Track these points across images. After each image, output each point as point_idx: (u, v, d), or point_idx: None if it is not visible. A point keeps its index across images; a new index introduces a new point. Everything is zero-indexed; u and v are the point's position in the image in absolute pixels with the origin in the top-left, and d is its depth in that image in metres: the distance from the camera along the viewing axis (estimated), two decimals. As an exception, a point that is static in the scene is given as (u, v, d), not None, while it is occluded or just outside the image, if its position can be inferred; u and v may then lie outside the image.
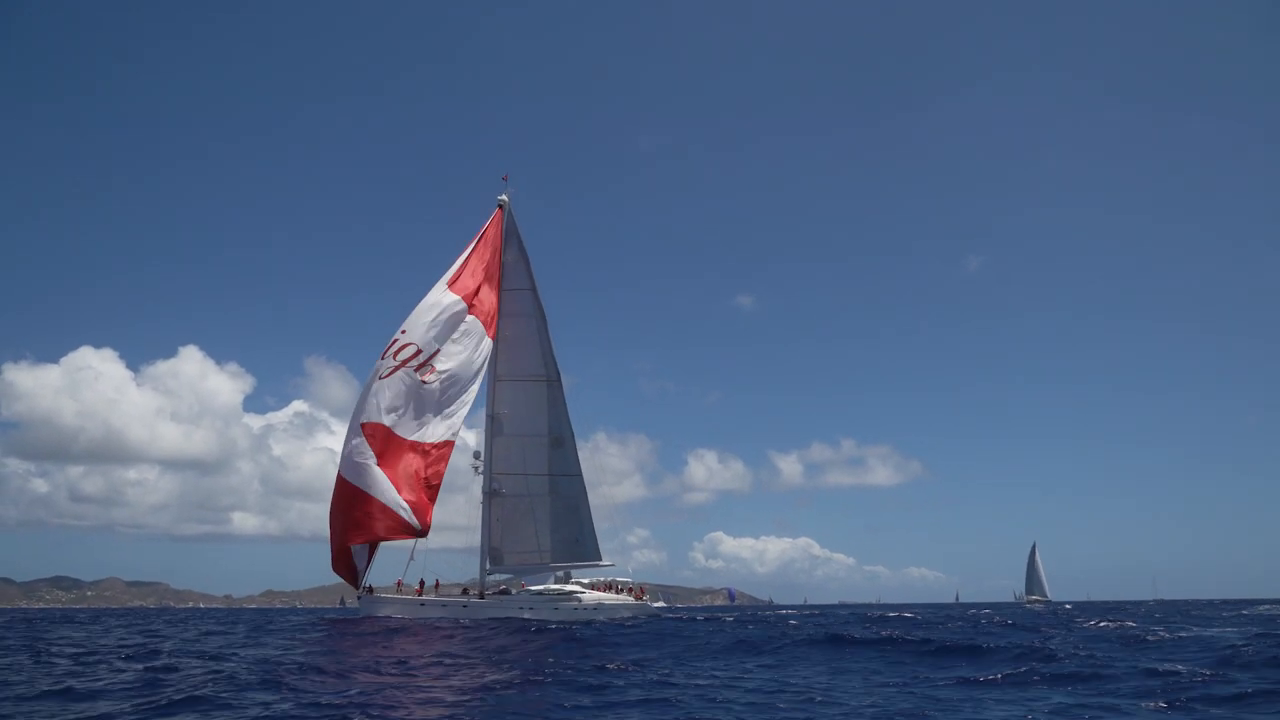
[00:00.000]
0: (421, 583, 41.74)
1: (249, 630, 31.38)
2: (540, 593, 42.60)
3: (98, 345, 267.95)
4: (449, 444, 40.49)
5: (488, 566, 42.51)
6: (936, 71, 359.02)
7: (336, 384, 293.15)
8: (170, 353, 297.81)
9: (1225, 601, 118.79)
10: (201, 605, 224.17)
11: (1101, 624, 28.40)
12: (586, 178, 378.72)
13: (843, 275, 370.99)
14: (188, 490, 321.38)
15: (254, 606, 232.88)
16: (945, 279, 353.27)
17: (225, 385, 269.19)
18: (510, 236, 44.73)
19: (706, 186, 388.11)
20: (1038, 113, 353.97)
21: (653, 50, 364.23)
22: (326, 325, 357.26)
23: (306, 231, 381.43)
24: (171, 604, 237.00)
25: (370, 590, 40.24)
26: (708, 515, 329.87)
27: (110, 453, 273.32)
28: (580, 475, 43.75)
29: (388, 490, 38.39)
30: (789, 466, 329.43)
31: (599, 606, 42.15)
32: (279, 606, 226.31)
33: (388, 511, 38.29)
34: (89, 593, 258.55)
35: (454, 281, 41.45)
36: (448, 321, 40.41)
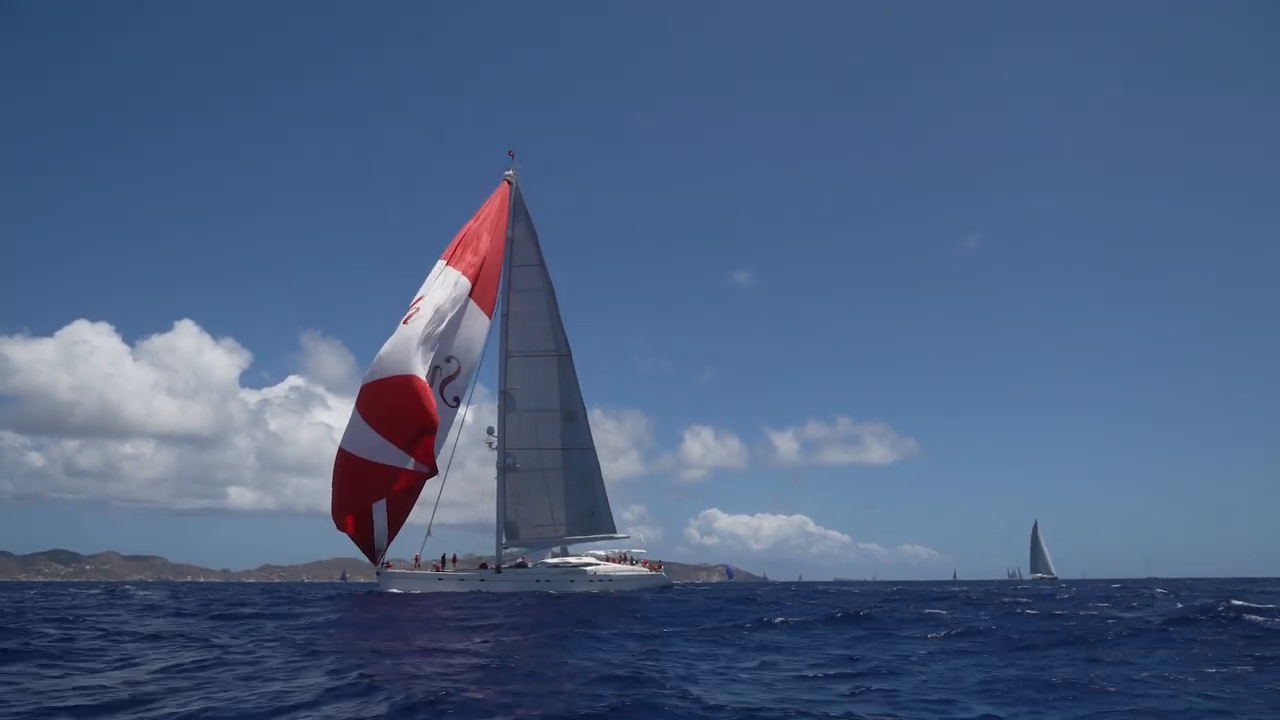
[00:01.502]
0: (444, 558, 42.28)
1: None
2: (556, 565, 43.17)
3: (93, 319, 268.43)
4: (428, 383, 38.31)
5: (504, 541, 42.96)
6: (936, 49, 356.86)
7: (332, 359, 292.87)
8: (166, 327, 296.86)
9: (1229, 580, 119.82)
10: (201, 579, 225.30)
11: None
12: (581, 155, 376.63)
13: (839, 253, 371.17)
14: (184, 465, 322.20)
15: (252, 580, 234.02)
16: (942, 258, 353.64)
17: (221, 360, 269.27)
18: (518, 212, 44.64)
19: (703, 163, 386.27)
20: (1036, 92, 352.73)
21: (648, 26, 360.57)
22: (322, 300, 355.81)
23: (302, 206, 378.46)
24: (170, 577, 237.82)
25: (389, 565, 40.61)
26: (703, 492, 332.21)
27: (106, 427, 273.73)
28: (593, 448, 44.13)
29: (380, 445, 37.35)
30: (785, 444, 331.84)
31: (614, 578, 42.77)
32: (278, 581, 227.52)
33: (385, 469, 37.46)
34: (87, 566, 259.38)
35: (453, 256, 40.50)
36: (446, 296, 39.42)
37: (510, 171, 44.52)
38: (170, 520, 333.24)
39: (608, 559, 44.98)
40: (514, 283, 44.18)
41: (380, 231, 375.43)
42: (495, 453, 43.31)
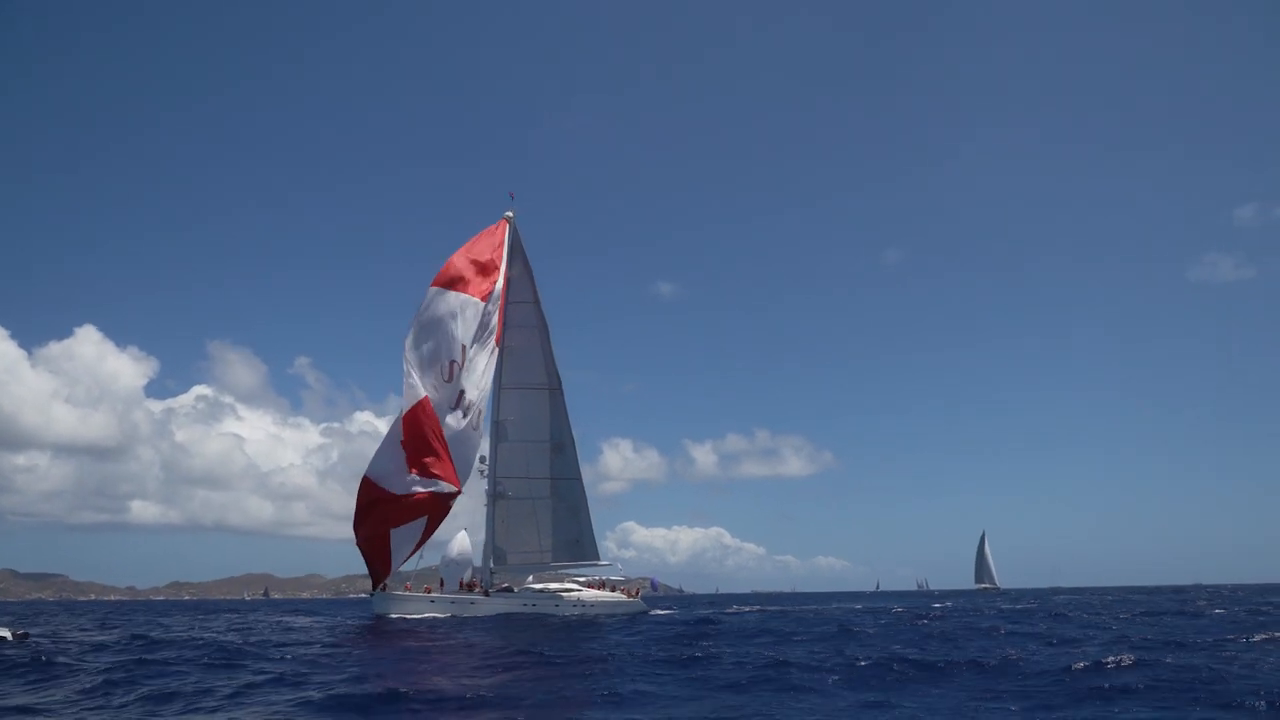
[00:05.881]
0: (453, 582, 44.37)
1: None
2: (540, 590, 45.18)
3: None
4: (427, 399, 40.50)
5: (491, 566, 44.80)
6: (860, 61, 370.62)
7: (241, 367, 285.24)
8: (66, 333, 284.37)
9: (1140, 588, 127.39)
10: (111, 598, 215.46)
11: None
12: (503, 165, 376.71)
13: (764, 266, 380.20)
14: (84, 477, 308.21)
15: (160, 599, 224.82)
16: (865, 273, 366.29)
17: (126, 368, 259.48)
18: (515, 251, 46.88)
19: (630, 174, 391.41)
20: (958, 106, 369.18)
21: (568, 35, 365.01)
22: (231, 307, 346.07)
23: (208, 211, 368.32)
24: (73, 596, 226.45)
25: (385, 587, 41.96)
26: (621, 505, 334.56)
27: None
28: (580, 478, 46.43)
29: (402, 477, 39.74)
30: (704, 456, 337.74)
31: (594, 604, 44.98)
32: (187, 599, 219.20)
33: (409, 498, 39.76)
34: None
35: (459, 281, 42.72)
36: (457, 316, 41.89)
37: (510, 213, 46.82)
38: (69, 536, 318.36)
39: (588, 585, 47.19)
40: (509, 319, 46.27)
41: (290, 236, 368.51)
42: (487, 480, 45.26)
